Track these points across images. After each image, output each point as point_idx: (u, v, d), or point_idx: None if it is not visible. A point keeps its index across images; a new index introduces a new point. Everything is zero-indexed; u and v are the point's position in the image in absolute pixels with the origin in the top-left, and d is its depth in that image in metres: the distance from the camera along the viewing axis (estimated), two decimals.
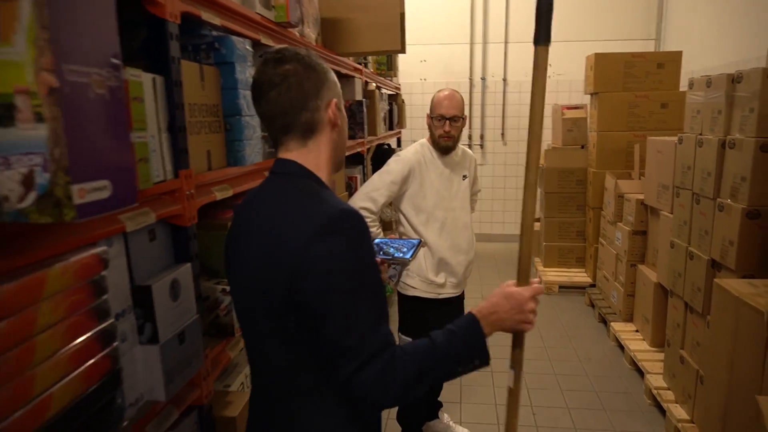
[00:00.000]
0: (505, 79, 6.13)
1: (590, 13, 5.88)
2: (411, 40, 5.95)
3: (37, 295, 0.75)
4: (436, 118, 2.11)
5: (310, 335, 0.92)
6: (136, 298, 1.07)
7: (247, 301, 0.99)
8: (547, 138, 6.00)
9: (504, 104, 6.19)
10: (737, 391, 1.94)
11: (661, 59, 4.28)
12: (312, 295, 0.89)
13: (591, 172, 4.53)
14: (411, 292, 2.23)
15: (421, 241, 1.39)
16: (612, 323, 3.69)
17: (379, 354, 0.90)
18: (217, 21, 1.37)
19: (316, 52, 2.25)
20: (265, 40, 1.69)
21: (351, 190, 3.10)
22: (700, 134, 2.52)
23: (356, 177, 3.20)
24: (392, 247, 1.37)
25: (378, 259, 1.30)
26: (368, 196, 2.08)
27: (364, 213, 2.08)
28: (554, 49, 5.86)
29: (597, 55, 4.30)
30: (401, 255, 1.34)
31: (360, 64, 3.35)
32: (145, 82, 1.06)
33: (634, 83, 4.27)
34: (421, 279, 2.19)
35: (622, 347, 3.47)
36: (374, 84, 3.73)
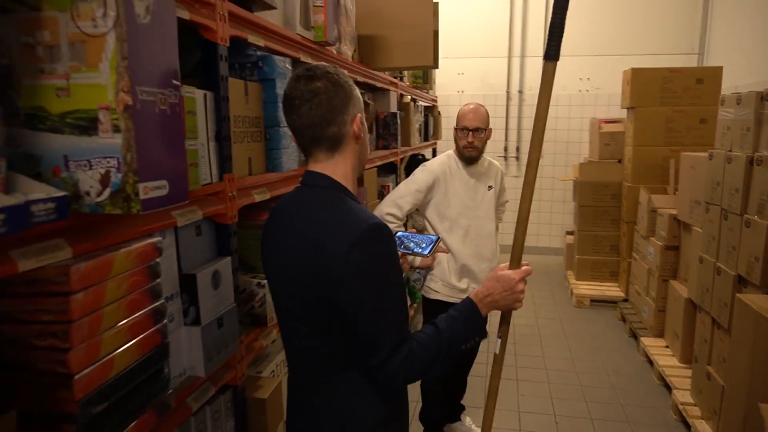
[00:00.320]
0: None
1: (631, 26, 5.86)
2: (449, 53, 6.12)
3: (106, 274, 0.91)
4: (460, 129, 2.23)
5: (342, 328, 1.06)
6: (183, 284, 1.23)
7: (287, 296, 1.13)
8: (584, 151, 6.00)
9: None
10: (756, 404, 1.95)
11: (700, 75, 4.24)
12: (347, 297, 1.02)
13: (626, 187, 4.51)
14: (434, 296, 2.34)
15: (439, 237, 1.50)
16: (642, 338, 3.67)
17: (400, 347, 1.05)
18: (261, 43, 1.54)
19: (352, 67, 2.41)
20: (304, 58, 1.85)
21: (383, 198, 3.24)
22: (730, 150, 2.53)
23: (389, 186, 3.33)
24: (413, 241, 1.47)
25: (399, 252, 1.42)
26: (395, 203, 2.22)
27: (390, 218, 2.21)
28: (593, 63, 5.90)
29: (633, 70, 4.30)
30: (420, 250, 1.44)
31: (396, 77, 3.49)
32: (197, 98, 1.23)
33: (672, 98, 4.24)
34: (444, 284, 2.30)
35: (651, 362, 3.45)
36: (409, 96, 3.86)
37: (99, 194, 0.86)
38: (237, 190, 1.42)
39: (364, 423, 1.13)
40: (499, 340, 1.33)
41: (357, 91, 1.16)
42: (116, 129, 0.84)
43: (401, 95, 3.64)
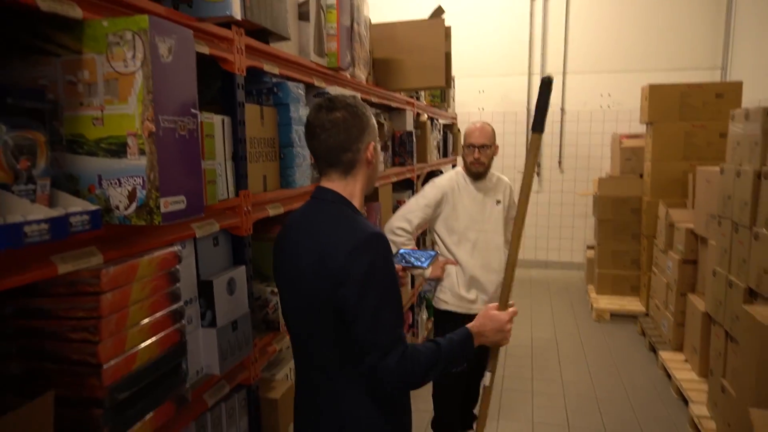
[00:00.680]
0: (563, 109, 6.20)
1: (653, 42, 5.88)
2: (469, 72, 6.25)
3: (132, 277, 1.05)
4: (467, 146, 2.35)
5: (343, 330, 1.16)
6: (200, 290, 1.36)
7: (297, 303, 1.24)
8: (606, 167, 6.00)
9: (561, 133, 6.25)
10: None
11: (720, 90, 4.24)
12: (347, 298, 1.13)
13: (645, 201, 4.51)
14: (444, 306, 2.42)
15: (437, 252, 1.62)
16: (660, 352, 3.65)
17: (396, 347, 1.14)
18: (276, 71, 1.68)
19: (366, 90, 2.55)
20: (318, 83, 1.99)
21: None
22: (740, 165, 2.56)
23: (405, 200, 3.44)
24: (413, 257, 1.60)
25: (400, 266, 1.54)
26: (404, 218, 2.33)
27: (400, 232, 2.32)
28: (615, 79, 5.96)
29: (651, 86, 4.33)
30: (420, 264, 1.57)
31: (412, 97, 3.62)
32: (216, 123, 1.37)
33: (691, 113, 4.24)
34: (453, 294, 2.39)
35: (669, 376, 3.43)
36: (426, 115, 3.99)
37: (127, 208, 1.00)
38: (252, 205, 1.56)
39: (362, 425, 1.22)
40: (489, 374, 1.47)
41: (373, 121, 1.29)
42: (142, 152, 0.98)
43: (418, 114, 3.77)
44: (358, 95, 2.31)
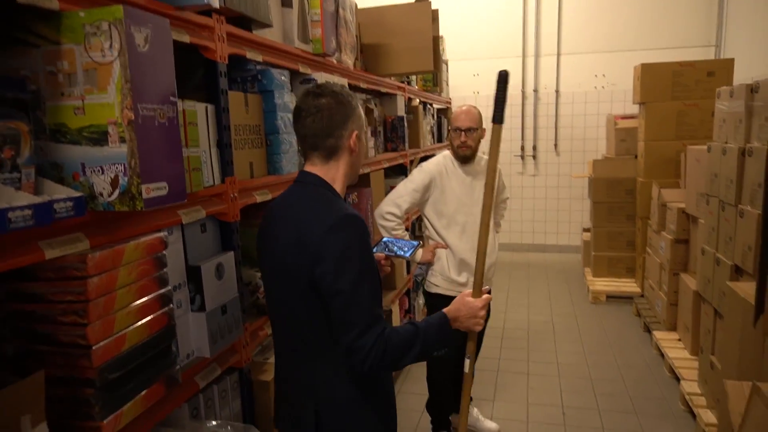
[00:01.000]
0: (557, 91, 6.20)
1: (646, 21, 5.85)
2: (463, 55, 6.24)
3: (118, 262, 1.08)
4: (453, 130, 2.37)
5: (322, 309, 1.20)
6: (189, 275, 1.40)
7: (279, 282, 1.27)
8: (601, 148, 6.01)
9: (557, 115, 6.25)
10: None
11: (711, 68, 4.24)
12: (323, 278, 1.16)
13: (639, 182, 4.53)
14: (435, 290, 2.46)
15: (420, 243, 1.65)
16: (654, 332, 3.69)
17: (373, 326, 1.16)
18: (259, 58, 1.70)
19: (353, 75, 2.56)
20: (303, 70, 2.01)
21: None
22: (726, 143, 2.58)
23: None
24: (396, 245, 1.63)
25: (383, 254, 1.57)
26: (394, 202, 2.36)
27: (389, 216, 2.35)
28: (608, 59, 5.92)
29: (643, 65, 4.33)
30: (402, 253, 1.60)
31: (403, 82, 3.63)
32: (198, 111, 1.40)
33: (683, 92, 4.25)
34: (444, 278, 2.42)
35: (663, 356, 3.48)
36: (418, 100, 3.99)
37: (110, 194, 1.03)
38: (239, 191, 1.59)
39: (339, 406, 1.25)
40: (468, 360, 1.48)
41: (359, 110, 1.32)
42: (122, 140, 1.01)
43: (409, 99, 3.78)
44: (345, 81, 2.34)
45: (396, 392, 3.19)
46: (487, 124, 2.13)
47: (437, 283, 2.45)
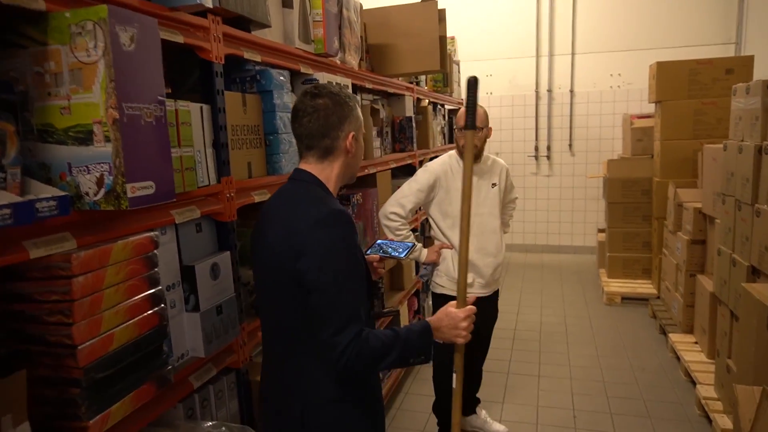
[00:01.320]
0: (572, 91, 6.11)
1: (663, 19, 5.74)
2: (476, 56, 6.19)
3: (105, 261, 1.08)
4: (458, 129, 2.33)
5: (306, 303, 1.18)
6: (183, 275, 1.39)
7: (266, 277, 1.28)
8: (617, 148, 5.90)
9: (571, 115, 6.16)
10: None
11: (730, 65, 4.13)
12: (306, 272, 1.15)
13: (655, 182, 4.44)
14: (440, 290, 2.43)
15: (414, 244, 1.62)
16: (670, 334, 3.60)
17: (350, 325, 1.14)
18: (257, 58, 1.70)
19: (357, 75, 2.55)
20: (304, 70, 2.00)
21: None
22: (742, 141, 2.50)
23: None
24: (390, 247, 1.61)
25: (377, 256, 1.56)
26: (398, 203, 2.33)
27: (394, 216, 2.32)
28: (624, 58, 5.85)
29: (658, 63, 4.24)
30: (396, 254, 1.58)
31: (412, 82, 3.61)
32: (192, 111, 1.39)
33: (701, 90, 4.15)
34: (449, 278, 2.39)
35: (679, 359, 3.39)
36: (427, 100, 3.97)
37: (96, 194, 1.03)
38: (236, 191, 1.58)
39: (323, 402, 1.23)
40: (454, 375, 1.44)
41: (357, 112, 1.32)
42: (107, 139, 1.01)
43: (418, 99, 3.75)
44: (349, 82, 2.32)
45: (403, 393, 3.18)
46: (494, 123, 2.11)
47: (442, 284, 2.42)
